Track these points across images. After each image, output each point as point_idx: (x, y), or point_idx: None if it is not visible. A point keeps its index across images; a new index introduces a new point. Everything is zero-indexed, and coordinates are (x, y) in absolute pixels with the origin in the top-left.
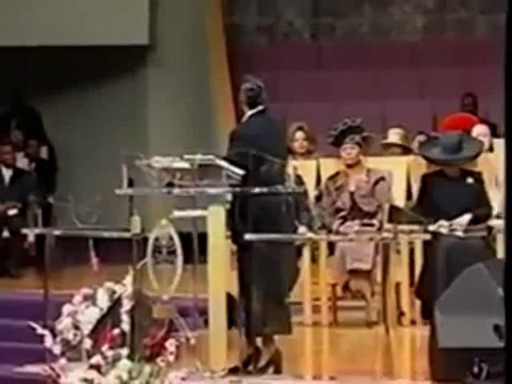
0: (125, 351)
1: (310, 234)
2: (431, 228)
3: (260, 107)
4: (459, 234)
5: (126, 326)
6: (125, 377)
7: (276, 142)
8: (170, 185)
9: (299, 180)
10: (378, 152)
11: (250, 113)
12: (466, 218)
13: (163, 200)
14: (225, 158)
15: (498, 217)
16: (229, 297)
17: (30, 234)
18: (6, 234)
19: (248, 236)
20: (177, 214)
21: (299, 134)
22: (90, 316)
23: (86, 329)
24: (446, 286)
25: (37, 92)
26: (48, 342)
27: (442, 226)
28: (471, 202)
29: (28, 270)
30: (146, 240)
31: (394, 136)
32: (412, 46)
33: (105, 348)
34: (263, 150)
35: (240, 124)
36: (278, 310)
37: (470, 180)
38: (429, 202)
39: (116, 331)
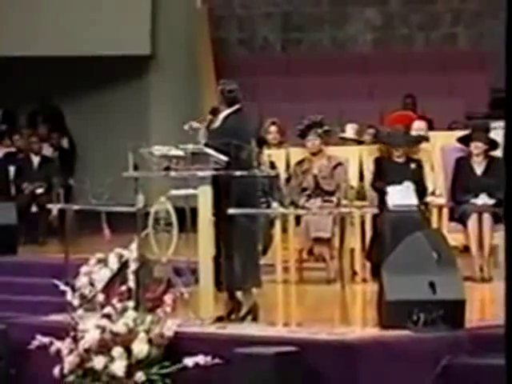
0: (131, 304)
1: (281, 209)
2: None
3: (237, 106)
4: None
5: (131, 284)
6: (131, 324)
7: (252, 135)
8: (168, 169)
9: (272, 165)
10: (337, 143)
11: (228, 111)
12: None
13: (162, 181)
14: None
15: (432, 194)
16: (215, 259)
17: (54, 208)
18: (34, 209)
19: (231, 210)
20: (173, 192)
21: (272, 128)
22: (102, 275)
23: (100, 285)
24: (391, 251)
25: (60, 94)
26: (68, 296)
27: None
28: (413, 183)
29: (52, 239)
30: (147, 214)
31: (350, 131)
32: (363, 56)
33: (114, 301)
34: (242, 142)
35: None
36: (254, 269)
37: (412, 165)
38: (380, 181)
39: (124, 287)
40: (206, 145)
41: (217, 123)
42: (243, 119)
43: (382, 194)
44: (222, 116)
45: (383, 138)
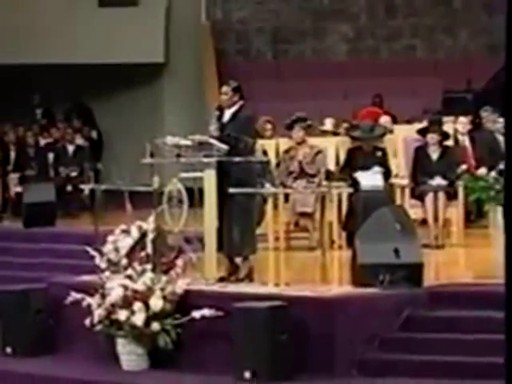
0: (149, 266)
1: (272, 189)
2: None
3: (242, 102)
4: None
5: (149, 250)
6: (149, 283)
7: (249, 127)
8: (179, 156)
9: (264, 153)
10: (317, 134)
11: (235, 108)
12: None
13: (174, 166)
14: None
15: (396, 176)
16: (219, 230)
17: (85, 188)
18: (69, 188)
19: (231, 190)
20: (183, 175)
21: (268, 126)
22: (125, 243)
23: (123, 252)
24: (362, 223)
25: (90, 95)
26: (97, 260)
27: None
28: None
29: (84, 213)
30: (162, 193)
31: (328, 124)
32: (339, 64)
33: (135, 264)
34: (250, 133)
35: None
36: (251, 238)
37: (378, 153)
38: (351, 168)
39: (143, 253)
40: (218, 138)
41: (226, 117)
42: (250, 115)
43: (350, 179)
44: (231, 111)
45: (350, 132)
